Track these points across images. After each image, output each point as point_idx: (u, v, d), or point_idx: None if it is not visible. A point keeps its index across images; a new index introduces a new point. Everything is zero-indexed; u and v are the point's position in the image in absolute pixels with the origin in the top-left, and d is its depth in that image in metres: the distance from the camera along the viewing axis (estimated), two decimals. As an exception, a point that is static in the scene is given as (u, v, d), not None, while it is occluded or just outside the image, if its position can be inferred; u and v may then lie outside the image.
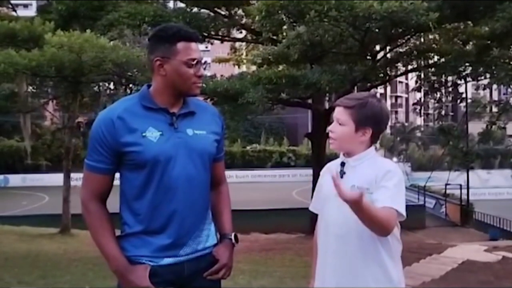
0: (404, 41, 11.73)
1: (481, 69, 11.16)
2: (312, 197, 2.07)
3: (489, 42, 10.39)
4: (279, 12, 9.16)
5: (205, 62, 1.84)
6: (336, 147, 1.88)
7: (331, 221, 1.85)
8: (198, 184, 1.77)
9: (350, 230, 1.78)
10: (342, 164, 1.87)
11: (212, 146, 1.83)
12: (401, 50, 12.45)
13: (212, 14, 13.36)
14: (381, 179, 1.76)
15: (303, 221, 12.63)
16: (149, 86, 1.81)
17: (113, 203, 1.86)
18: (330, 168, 1.96)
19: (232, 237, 1.89)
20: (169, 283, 1.74)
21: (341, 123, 1.84)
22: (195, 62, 1.75)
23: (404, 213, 1.72)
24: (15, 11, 14.70)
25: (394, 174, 1.78)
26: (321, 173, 2.00)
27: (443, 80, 13.70)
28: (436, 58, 12.43)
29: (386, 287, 1.79)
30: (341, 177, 1.84)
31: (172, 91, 1.76)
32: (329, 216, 1.86)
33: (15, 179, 31.48)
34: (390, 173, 1.78)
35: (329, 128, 1.88)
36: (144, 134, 1.71)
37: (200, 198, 1.79)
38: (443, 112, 15.71)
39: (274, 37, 11.07)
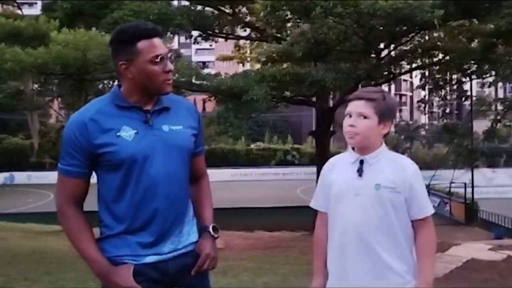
0: (408, 39, 11.68)
1: (486, 66, 11.13)
2: None
3: (494, 39, 10.35)
4: (284, 8, 9.14)
5: (171, 55, 1.80)
6: (357, 142, 1.82)
7: (350, 220, 1.80)
8: (177, 180, 1.73)
9: (373, 227, 1.77)
10: (361, 162, 1.82)
11: (189, 141, 1.79)
12: (405, 48, 12.39)
13: (216, 12, 13.37)
14: (410, 180, 1.79)
15: (307, 219, 12.58)
16: (120, 85, 1.75)
17: (90, 201, 1.82)
18: (339, 163, 1.92)
19: (210, 229, 1.83)
20: (154, 281, 1.71)
21: (364, 117, 1.79)
22: (159, 58, 1.69)
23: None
24: (20, 9, 14.78)
25: (419, 173, 1.84)
26: (326, 169, 1.94)
27: (448, 78, 13.66)
28: (440, 56, 12.38)
29: (413, 284, 1.80)
30: (360, 175, 1.81)
31: (142, 91, 1.72)
32: (348, 215, 1.81)
33: (20, 177, 31.61)
34: (417, 174, 1.83)
35: (349, 122, 1.81)
36: (118, 134, 1.67)
37: (180, 195, 1.75)
38: (447, 110, 15.65)
39: (278, 35, 11.07)
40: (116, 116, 1.70)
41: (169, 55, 1.75)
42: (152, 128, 1.71)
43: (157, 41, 1.71)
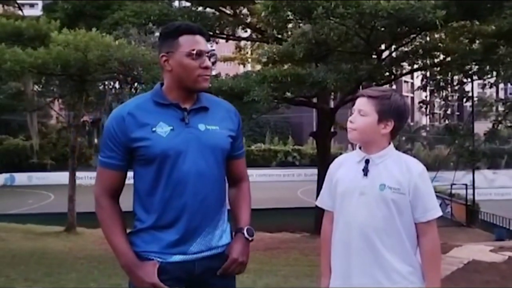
0: (409, 39, 11.67)
1: (488, 67, 11.10)
2: (317, 193, 2.03)
3: (496, 40, 10.32)
4: (285, 9, 9.11)
5: (213, 54, 1.83)
6: (354, 137, 1.83)
7: (355, 219, 1.80)
8: (209, 179, 1.75)
9: (377, 227, 1.76)
10: (367, 161, 1.82)
11: (225, 142, 1.80)
12: (406, 49, 12.38)
13: (217, 13, 13.37)
14: (416, 181, 1.78)
15: (308, 221, 12.61)
16: (162, 84, 1.83)
17: (127, 202, 1.86)
18: (345, 162, 1.91)
19: (245, 231, 1.82)
20: (179, 280, 1.73)
21: (363, 114, 1.80)
22: (198, 52, 1.73)
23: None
24: (21, 10, 14.80)
25: (426, 175, 1.83)
26: (332, 168, 1.94)
27: (449, 79, 13.64)
28: (442, 56, 12.35)
29: (416, 285, 1.79)
30: (365, 175, 1.81)
31: (180, 86, 1.76)
32: (353, 214, 1.81)
33: (21, 178, 31.64)
34: (424, 175, 1.81)
35: (349, 118, 1.83)
36: (154, 129, 1.72)
37: (211, 194, 1.76)
38: (449, 111, 15.60)
39: (279, 36, 11.04)
40: (154, 112, 1.74)
41: (208, 54, 1.77)
42: (188, 126, 1.74)
43: (199, 37, 1.77)
